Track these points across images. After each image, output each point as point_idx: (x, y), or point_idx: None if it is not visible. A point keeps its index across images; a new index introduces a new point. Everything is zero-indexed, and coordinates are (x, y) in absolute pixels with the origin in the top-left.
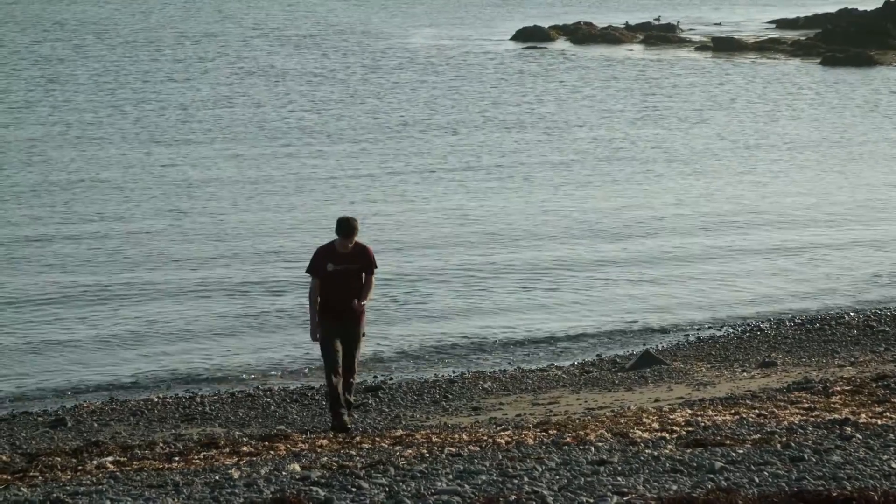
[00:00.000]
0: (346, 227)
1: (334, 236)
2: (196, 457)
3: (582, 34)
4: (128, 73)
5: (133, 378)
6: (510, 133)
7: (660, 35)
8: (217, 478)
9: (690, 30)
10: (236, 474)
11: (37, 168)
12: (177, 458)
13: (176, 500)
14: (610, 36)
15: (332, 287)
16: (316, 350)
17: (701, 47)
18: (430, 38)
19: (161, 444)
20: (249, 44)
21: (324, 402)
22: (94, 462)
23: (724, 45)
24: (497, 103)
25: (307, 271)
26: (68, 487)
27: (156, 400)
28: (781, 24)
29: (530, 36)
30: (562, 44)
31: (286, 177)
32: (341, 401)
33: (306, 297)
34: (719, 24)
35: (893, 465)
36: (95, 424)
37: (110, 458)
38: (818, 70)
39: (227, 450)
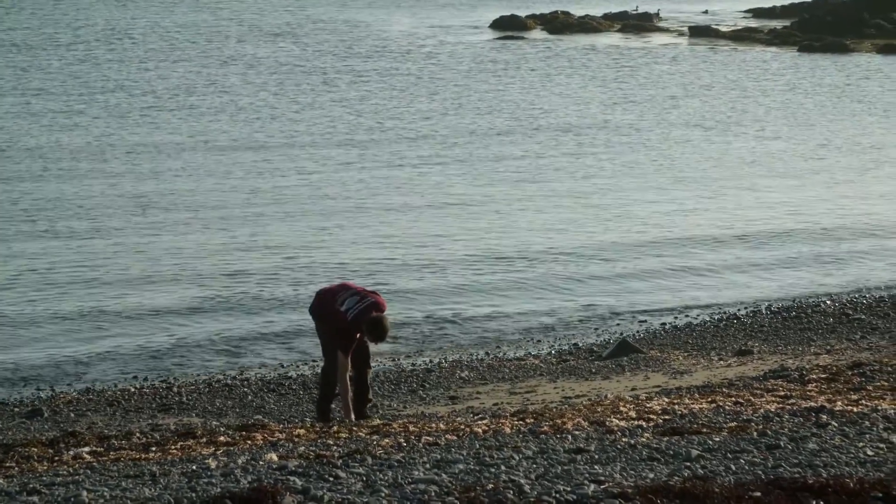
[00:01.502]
0: (381, 336)
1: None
2: (173, 447)
3: (559, 23)
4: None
5: (110, 368)
6: (483, 120)
7: (637, 24)
8: (194, 468)
9: (665, 20)
10: (213, 464)
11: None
12: (154, 449)
13: (153, 490)
14: (587, 25)
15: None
16: (295, 340)
17: (678, 36)
18: (407, 27)
19: (138, 435)
20: (222, 33)
21: (315, 392)
22: (71, 452)
23: (701, 34)
24: (468, 91)
25: (341, 349)
26: (45, 478)
27: (132, 390)
28: (758, 13)
29: (507, 25)
30: (538, 33)
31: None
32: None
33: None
34: (706, 12)
35: (869, 453)
36: (72, 415)
37: (87, 449)
38: (795, 58)
39: (204, 440)
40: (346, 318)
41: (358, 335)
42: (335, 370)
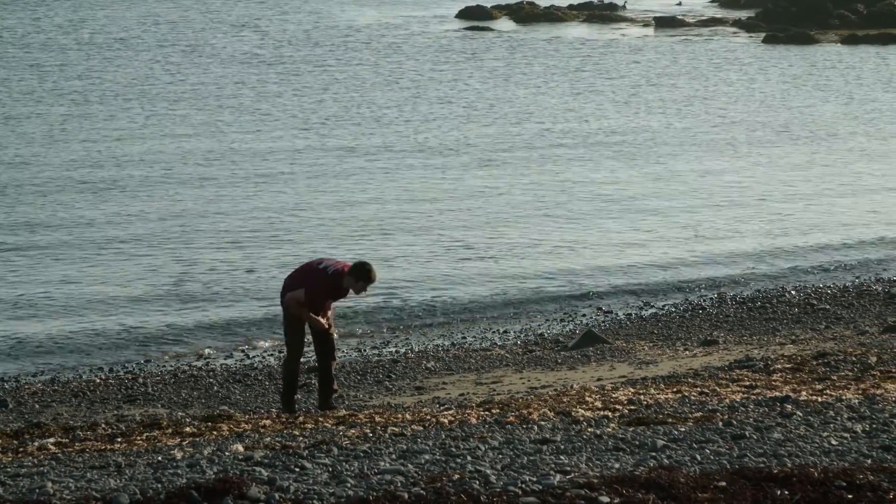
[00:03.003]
0: (370, 276)
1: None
2: (139, 438)
3: (524, 13)
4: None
5: (75, 359)
6: (445, 110)
7: (602, 14)
8: (160, 458)
9: (630, 11)
10: (179, 455)
11: None
12: (119, 440)
13: (118, 480)
14: (552, 15)
15: (314, 309)
16: (257, 329)
17: (643, 26)
18: (372, 18)
19: (103, 426)
20: (186, 20)
21: (280, 382)
22: (36, 444)
23: (667, 25)
24: (429, 82)
25: (304, 298)
26: (9, 469)
27: (98, 381)
28: (724, 3)
29: (472, 15)
30: (504, 23)
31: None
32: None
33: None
34: (679, 3)
35: (833, 442)
36: (37, 406)
37: (52, 440)
38: (760, 48)
39: (170, 430)
40: (326, 273)
41: (328, 298)
42: (297, 361)
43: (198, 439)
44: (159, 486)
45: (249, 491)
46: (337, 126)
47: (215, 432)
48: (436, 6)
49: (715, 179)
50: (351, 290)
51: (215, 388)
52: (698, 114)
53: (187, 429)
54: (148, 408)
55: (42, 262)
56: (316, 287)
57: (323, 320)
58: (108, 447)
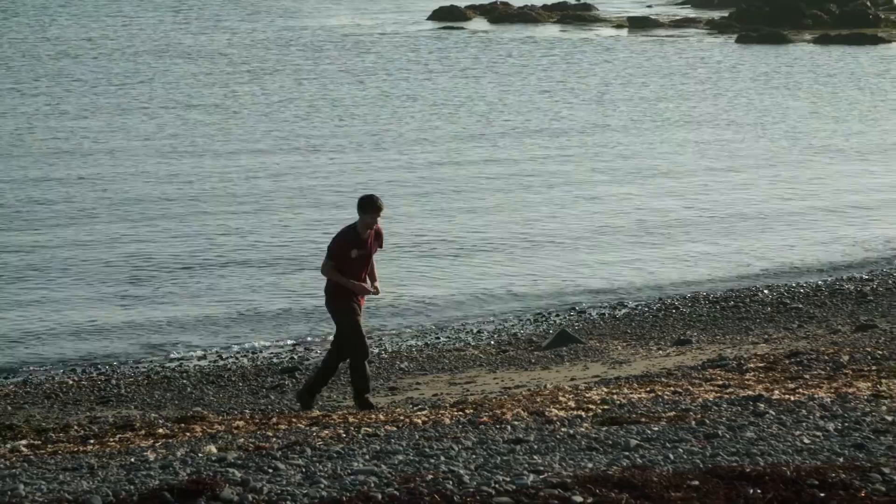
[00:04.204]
0: (375, 205)
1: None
2: (111, 439)
3: (498, 13)
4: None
5: (48, 360)
6: (412, 108)
7: (576, 14)
8: (132, 460)
9: (597, 10)
10: (152, 456)
11: None
12: (92, 441)
13: (91, 482)
14: (526, 15)
15: (352, 273)
16: (230, 331)
17: (617, 27)
18: (346, 19)
19: (76, 427)
20: (153, 18)
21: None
22: (8, 445)
23: (640, 25)
24: (397, 81)
25: (329, 256)
26: None
27: (70, 382)
28: (696, 3)
29: (446, 15)
30: (478, 23)
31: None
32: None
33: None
34: (650, 6)
35: (805, 441)
36: (9, 408)
37: (24, 442)
38: (734, 48)
39: (143, 432)
40: (341, 229)
41: (353, 247)
42: (364, 356)
43: (171, 441)
44: (132, 487)
45: (223, 492)
46: (300, 124)
47: (188, 433)
48: (410, 7)
49: (689, 179)
50: (370, 232)
51: (188, 389)
52: (665, 111)
53: (160, 430)
54: (121, 409)
55: (10, 264)
56: (337, 243)
57: (367, 285)
58: (81, 449)
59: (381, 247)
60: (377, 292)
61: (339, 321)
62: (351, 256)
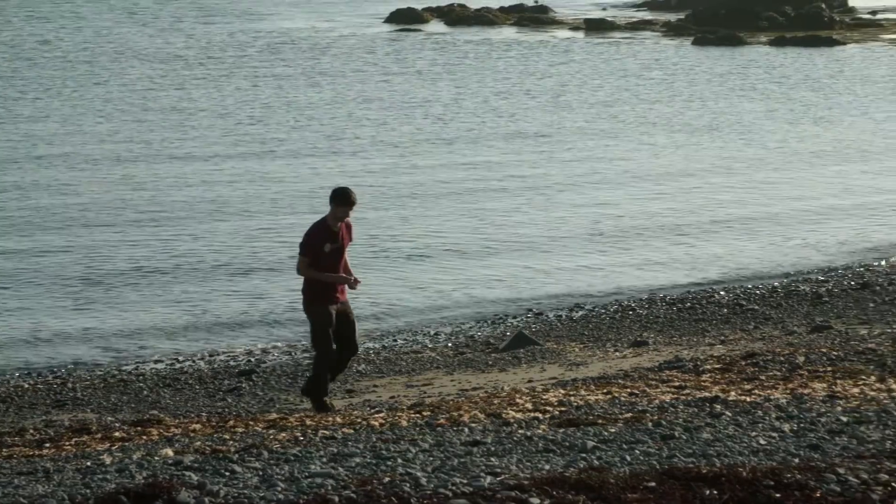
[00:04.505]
0: (349, 199)
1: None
2: (67, 443)
3: (455, 16)
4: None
5: (2, 365)
6: (368, 111)
7: (533, 17)
8: (88, 464)
9: (554, 12)
10: (108, 460)
11: None
12: (48, 445)
13: (46, 486)
14: (483, 17)
15: (327, 268)
16: (186, 335)
17: (573, 29)
18: (303, 22)
19: (31, 431)
20: (109, 20)
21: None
22: None
23: (597, 27)
24: (353, 84)
25: (302, 252)
26: None
27: (26, 386)
28: (653, 6)
29: (404, 17)
30: (435, 25)
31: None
32: (327, 387)
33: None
34: (605, 9)
35: (762, 442)
36: None
37: None
38: (690, 50)
39: (100, 435)
40: (313, 224)
41: (326, 241)
42: (328, 360)
43: (127, 444)
44: (88, 491)
45: (179, 495)
46: (256, 127)
47: (145, 437)
48: (367, 9)
49: (644, 182)
50: (340, 225)
51: (145, 392)
52: (621, 114)
53: (117, 434)
54: (77, 413)
55: None
56: (309, 238)
57: (342, 275)
58: (37, 453)
59: (351, 240)
60: (357, 283)
61: (313, 323)
62: (324, 251)
